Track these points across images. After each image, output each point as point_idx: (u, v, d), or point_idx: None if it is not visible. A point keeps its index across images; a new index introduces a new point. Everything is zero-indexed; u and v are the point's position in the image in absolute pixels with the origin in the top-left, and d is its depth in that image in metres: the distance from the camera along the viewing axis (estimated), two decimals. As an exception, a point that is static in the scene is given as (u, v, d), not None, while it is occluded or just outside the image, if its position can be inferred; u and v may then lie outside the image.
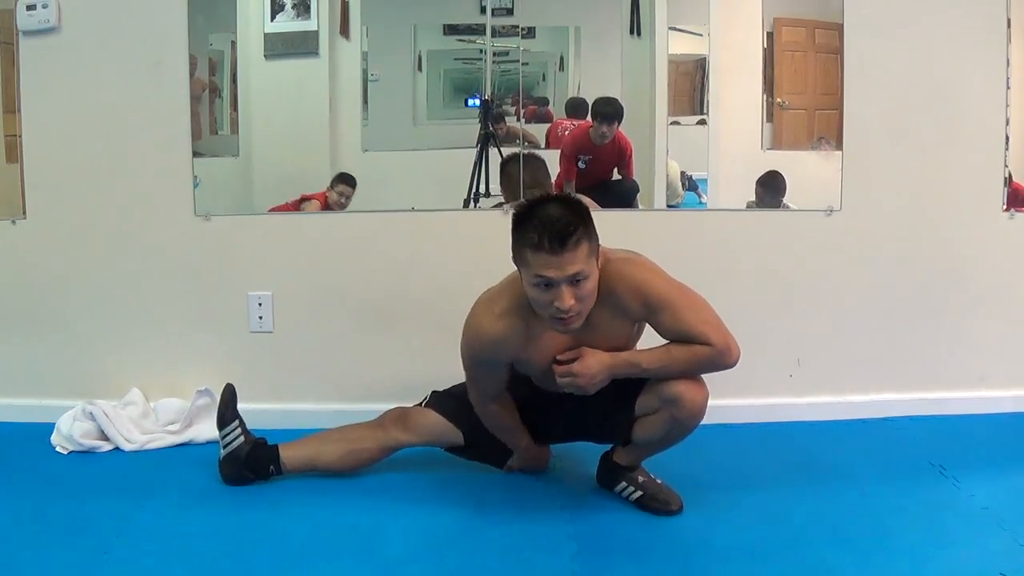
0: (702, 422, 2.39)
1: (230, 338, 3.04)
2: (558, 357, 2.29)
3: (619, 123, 3.10)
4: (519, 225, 2.17)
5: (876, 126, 3.00)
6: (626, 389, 2.34)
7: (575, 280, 2.14)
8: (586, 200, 3.10)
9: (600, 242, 2.23)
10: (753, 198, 3.11)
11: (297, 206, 3.05)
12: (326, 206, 3.05)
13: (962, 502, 2.48)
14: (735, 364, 2.28)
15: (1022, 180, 3.05)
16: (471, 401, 2.49)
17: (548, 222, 2.11)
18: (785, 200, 3.10)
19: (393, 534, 2.31)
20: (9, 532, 2.30)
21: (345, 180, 3.06)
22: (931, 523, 2.36)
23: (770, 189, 3.10)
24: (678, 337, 2.27)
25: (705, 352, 2.25)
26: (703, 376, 2.32)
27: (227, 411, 2.58)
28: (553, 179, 3.13)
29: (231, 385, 2.61)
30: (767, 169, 3.11)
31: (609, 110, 3.09)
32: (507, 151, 3.07)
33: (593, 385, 2.28)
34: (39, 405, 3.00)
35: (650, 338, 2.36)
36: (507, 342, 2.31)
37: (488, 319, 2.31)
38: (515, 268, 2.24)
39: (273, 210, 3.04)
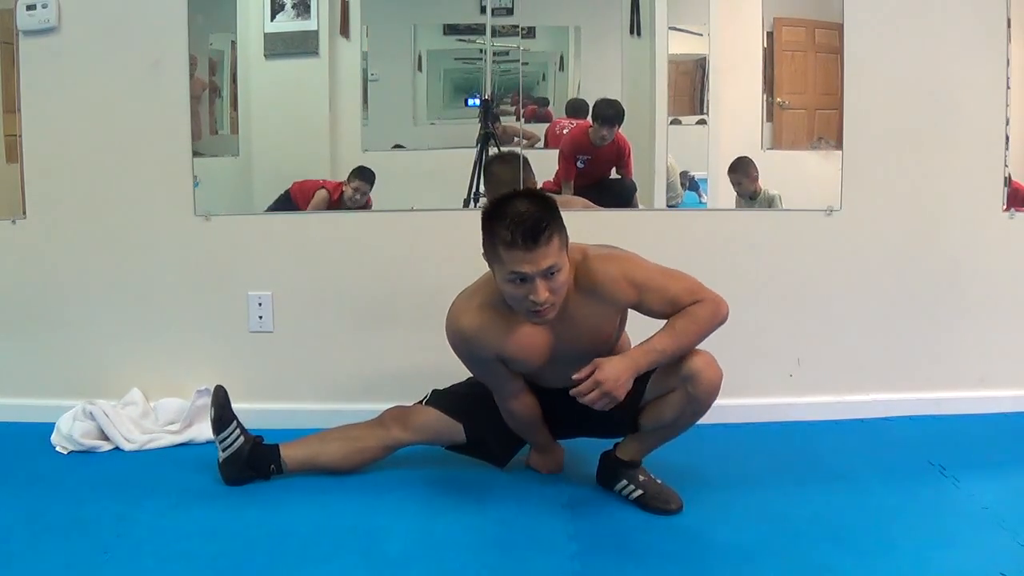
0: (702, 421, 2.40)
1: (230, 338, 3.04)
2: (573, 376, 2.26)
3: (619, 125, 3.10)
4: (490, 223, 2.21)
5: (876, 126, 3.00)
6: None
7: (549, 273, 2.19)
8: (574, 199, 3.10)
9: (591, 240, 2.26)
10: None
11: (315, 188, 3.05)
12: (338, 200, 3.04)
13: (962, 502, 2.48)
14: (728, 314, 2.31)
15: (1022, 180, 3.05)
16: (497, 403, 2.51)
17: (519, 219, 2.16)
18: (766, 187, 3.09)
19: (393, 534, 2.31)
20: (9, 532, 2.29)
21: (362, 175, 3.03)
22: (931, 523, 2.35)
23: (740, 172, 3.09)
24: (671, 307, 2.30)
25: (701, 310, 2.28)
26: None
27: (224, 413, 2.57)
28: (552, 178, 3.13)
29: (222, 387, 2.60)
30: (767, 168, 3.11)
31: (610, 112, 3.09)
32: (508, 151, 3.07)
33: (621, 388, 2.24)
34: (39, 405, 3.00)
35: (638, 335, 2.36)
36: (487, 335, 2.34)
37: (467, 315, 2.35)
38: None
39: (299, 183, 3.05)
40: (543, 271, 2.17)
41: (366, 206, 3.05)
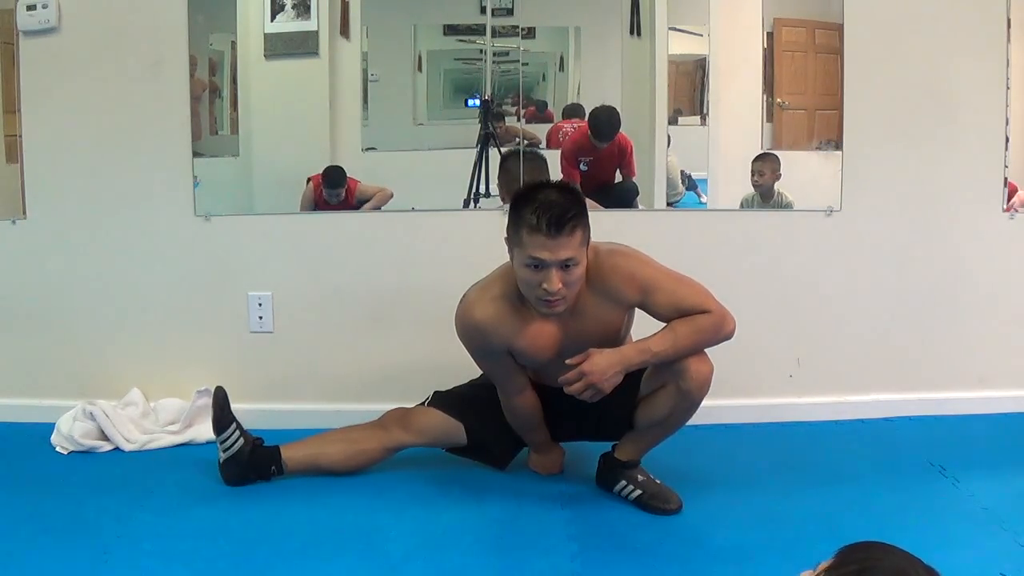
0: (702, 421, 2.40)
1: (230, 338, 3.04)
2: (566, 362, 2.28)
3: (614, 135, 3.09)
4: (518, 206, 2.24)
5: (876, 126, 3.00)
6: (628, 376, 2.34)
7: (565, 265, 2.20)
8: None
9: (593, 240, 2.27)
10: (745, 197, 3.10)
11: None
12: (320, 194, 3.04)
13: (962, 502, 2.48)
14: (733, 333, 2.32)
15: (1021, 179, 3.06)
16: (500, 399, 2.51)
17: (548, 205, 2.18)
18: (783, 191, 3.09)
19: (393, 534, 2.31)
20: (9, 532, 2.30)
21: (328, 182, 3.01)
22: (931, 523, 2.35)
23: (764, 162, 3.08)
24: (676, 312, 2.30)
25: (706, 320, 2.29)
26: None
27: (223, 414, 2.56)
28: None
29: (222, 388, 2.59)
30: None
31: (606, 130, 3.07)
32: (531, 150, 3.07)
33: (607, 381, 2.26)
34: (39, 405, 3.00)
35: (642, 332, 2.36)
36: (499, 326, 2.34)
37: (481, 306, 2.35)
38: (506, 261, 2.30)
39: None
40: (561, 261, 2.19)
41: (347, 200, 3.05)
